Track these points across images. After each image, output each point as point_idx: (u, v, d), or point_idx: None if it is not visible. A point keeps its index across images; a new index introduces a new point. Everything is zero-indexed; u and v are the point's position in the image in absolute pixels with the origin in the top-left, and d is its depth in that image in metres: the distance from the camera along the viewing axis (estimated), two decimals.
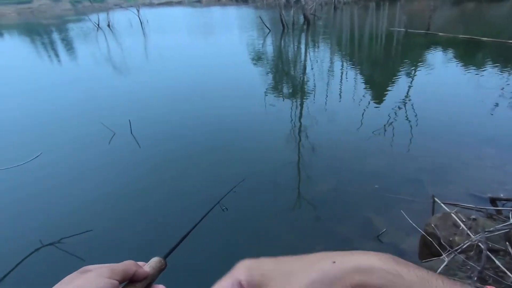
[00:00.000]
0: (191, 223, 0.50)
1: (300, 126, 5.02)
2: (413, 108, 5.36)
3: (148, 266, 0.38)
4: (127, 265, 0.36)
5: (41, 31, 22.31)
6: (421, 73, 7.44)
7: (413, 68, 8.05)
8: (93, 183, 3.78)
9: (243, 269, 0.30)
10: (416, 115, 5.05)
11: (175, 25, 21.85)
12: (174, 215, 3.12)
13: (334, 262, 0.27)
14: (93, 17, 22.47)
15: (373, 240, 2.68)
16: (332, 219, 3.00)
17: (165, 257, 0.40)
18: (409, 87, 6.55)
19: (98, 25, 20.60)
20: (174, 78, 8.30)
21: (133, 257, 0.38)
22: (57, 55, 12.33)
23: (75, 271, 0.33)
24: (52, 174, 3.96)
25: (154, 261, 0.39)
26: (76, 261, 2.57)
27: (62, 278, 0.32)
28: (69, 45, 14.79)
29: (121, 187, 3.69)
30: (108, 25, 21.29)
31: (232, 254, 2.55)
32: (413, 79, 7.08)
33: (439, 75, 7.33)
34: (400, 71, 7.88)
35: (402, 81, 6.97)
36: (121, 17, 25.32)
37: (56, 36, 18.35)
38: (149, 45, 14.28)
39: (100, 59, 11.20)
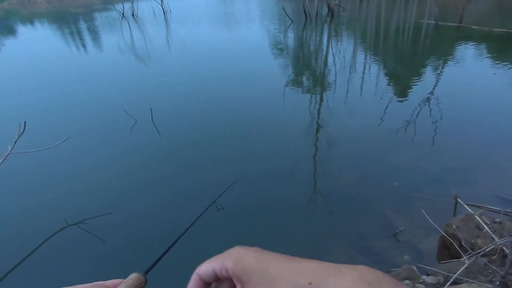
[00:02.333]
0: (187, 223, 0.47)
1: (319, 119, 4.95)
2: (439, 105, 5.14)
3: (124, 286, 0.33)
4: None
5: (69, 19, 23.01)
6: (450, 69, 7.09)
7: (441, 63, 7.68)
8: (114, 168, 3.93)
9: (232, 257, 0.30)
10: (441, 113, 4.84)
11: (197, 15, 21.89)
12: (190, 203, 3.18)
13: (311, 283, 0.26)
14: (119, 6, 22.89)
15: (389, 238, 2.62)
16: (349, 214, 2.96)
17: (145, 273, 0.36)
18: (436, 83, 6.26)
19: (123, 14, 20.98)
20: (195, 68, 8.36)
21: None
22: (83, 44, 12.72)
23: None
24: (77, 157, 4.14)
25: (132, 278, 0.34)
26: (97, 242, 2.69)
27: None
28: (95, 34, 15.18)
29: (140, 174, 3.80)
30: (133, 15, 21.63)
31: None
32: (440, 75, 6.76)
33: (469, 71, 6.95)
34: (426, 66, 7.54)
35: (428, 77, 6.67)
36: (145, 7, 25.65)
37: (83, 25, 18.88)
38: (171, 35, 14.41)
39: (124, 48, 11.44)
